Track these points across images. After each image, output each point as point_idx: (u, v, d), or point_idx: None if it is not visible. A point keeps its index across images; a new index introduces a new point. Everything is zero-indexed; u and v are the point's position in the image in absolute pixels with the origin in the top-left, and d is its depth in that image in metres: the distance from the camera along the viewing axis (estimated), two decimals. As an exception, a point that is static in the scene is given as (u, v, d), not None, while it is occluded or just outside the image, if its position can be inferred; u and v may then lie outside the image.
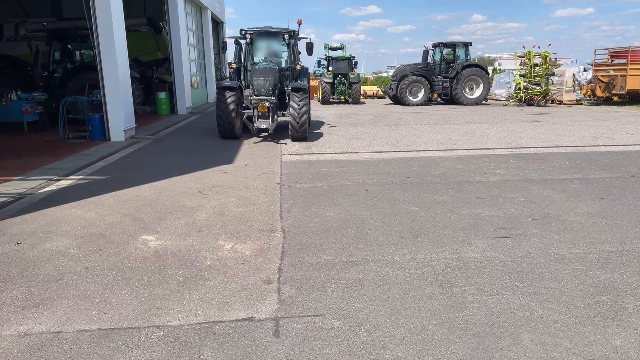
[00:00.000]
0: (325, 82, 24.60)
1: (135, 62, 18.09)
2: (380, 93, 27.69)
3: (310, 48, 12.62)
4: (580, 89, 22.95)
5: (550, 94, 21.87)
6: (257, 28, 12.54)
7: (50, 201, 6.33)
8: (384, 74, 51.21)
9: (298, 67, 12.48)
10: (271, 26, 12.71)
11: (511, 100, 23.19)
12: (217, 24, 29.82)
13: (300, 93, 11.04)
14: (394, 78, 23.71)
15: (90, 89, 13.73)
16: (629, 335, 3.10)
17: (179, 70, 18.34)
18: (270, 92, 11.23)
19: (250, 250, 4.56)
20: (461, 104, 22.32)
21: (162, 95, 18.34)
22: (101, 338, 3.11)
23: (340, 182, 7.35)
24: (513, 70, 25.34)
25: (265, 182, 7.35)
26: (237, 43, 12.91)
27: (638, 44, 34.20)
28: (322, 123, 15.45)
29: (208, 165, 8.67)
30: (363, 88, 28.43)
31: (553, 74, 22.16)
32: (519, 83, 22.47)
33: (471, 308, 3.46)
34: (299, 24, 12.87)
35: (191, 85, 20.58)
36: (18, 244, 4.77)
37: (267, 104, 11.09)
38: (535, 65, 21.86)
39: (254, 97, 11.24)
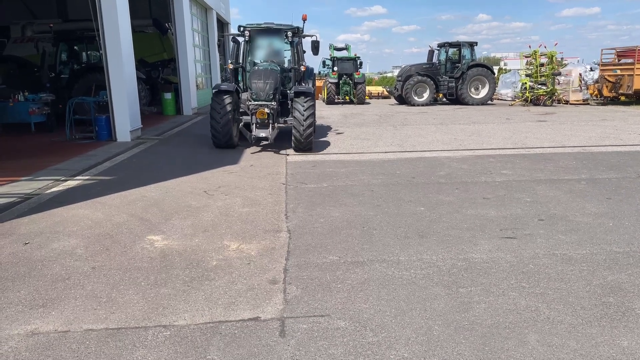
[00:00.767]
0: (330, 82, 24.64)
1: (141, 63, 18.20)
2: (386, 93, 27.69)
3: (316, 47, 11.35)
4: (587, 88, 22.81)
5: (556, 94, 21.76)
6: (257, 24, 11.11)
7: (57, 201, 6.37)
8: (389, 74, 51.15)
9: (302, 68, 11.03)
10: (273, 22, 11.23)
11: (517, 100, 23.09)
12: (223, 25, 29.90)
13: (304, 97, 9.79)
14: (399, 78, 23.70)
15: (96, 89, 13.81)
16: (637, 336, 3.09)
17: (184, 71, 18.40)
18: (271, 97, 9.92)
19: (255, 251, 4.58)
20: (467, 104, 22.26)
21: (168, 96, 18.41)
22: (108, 337, 3.13)
23: (345, 182, 7.36)
24: (519, 70, 25.21)
25: (270, 183, 7.37)
26: (234, 41, 11.51)
27: (645, 43, 33.95)
28: (327, 124, 15.46)
29: (213, 165, 8.69)
30: (368, 88, 28.44)
31: (559, 74, 22.04)
32: (525, 83, 22.35)
33: (477, 309, 3.45)
34: (304, 20, 11.40)
35: (197, 85, 20.65)
36: (26, 243, 4.81)
37: (266, 110, 9.82)
38: (542, 64, 21.75)
39: (253, 102, 9.97)
